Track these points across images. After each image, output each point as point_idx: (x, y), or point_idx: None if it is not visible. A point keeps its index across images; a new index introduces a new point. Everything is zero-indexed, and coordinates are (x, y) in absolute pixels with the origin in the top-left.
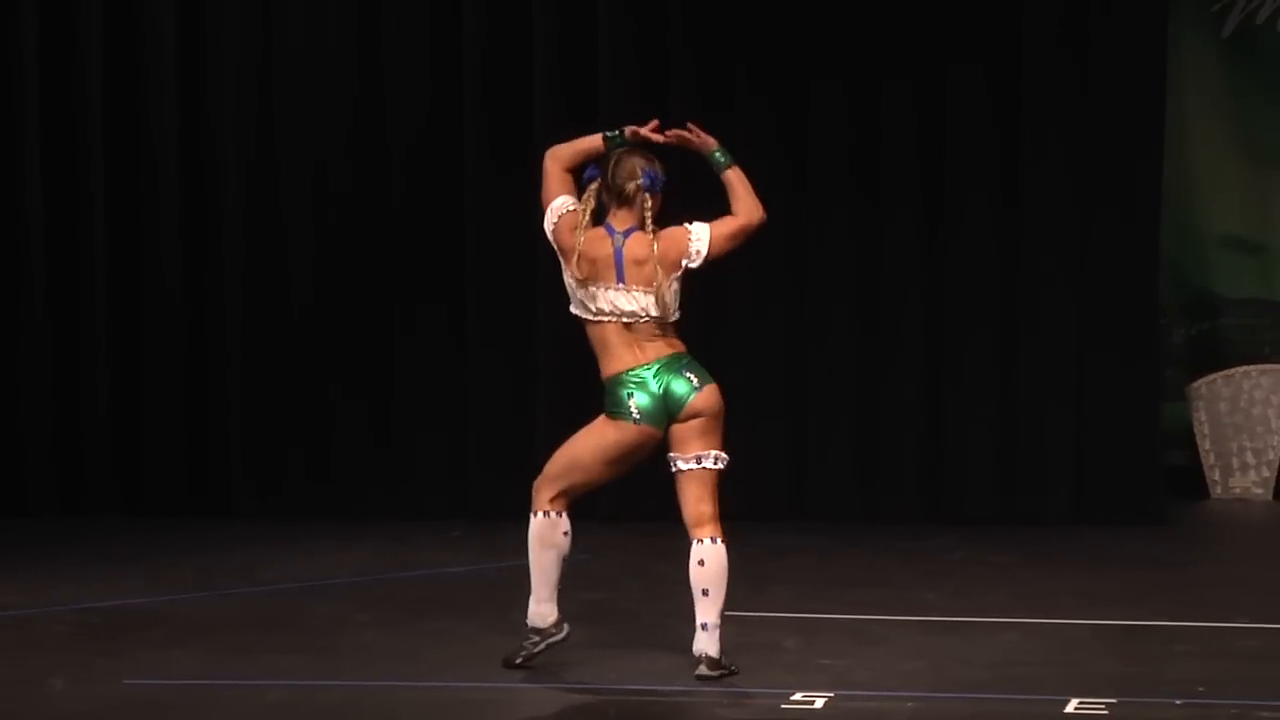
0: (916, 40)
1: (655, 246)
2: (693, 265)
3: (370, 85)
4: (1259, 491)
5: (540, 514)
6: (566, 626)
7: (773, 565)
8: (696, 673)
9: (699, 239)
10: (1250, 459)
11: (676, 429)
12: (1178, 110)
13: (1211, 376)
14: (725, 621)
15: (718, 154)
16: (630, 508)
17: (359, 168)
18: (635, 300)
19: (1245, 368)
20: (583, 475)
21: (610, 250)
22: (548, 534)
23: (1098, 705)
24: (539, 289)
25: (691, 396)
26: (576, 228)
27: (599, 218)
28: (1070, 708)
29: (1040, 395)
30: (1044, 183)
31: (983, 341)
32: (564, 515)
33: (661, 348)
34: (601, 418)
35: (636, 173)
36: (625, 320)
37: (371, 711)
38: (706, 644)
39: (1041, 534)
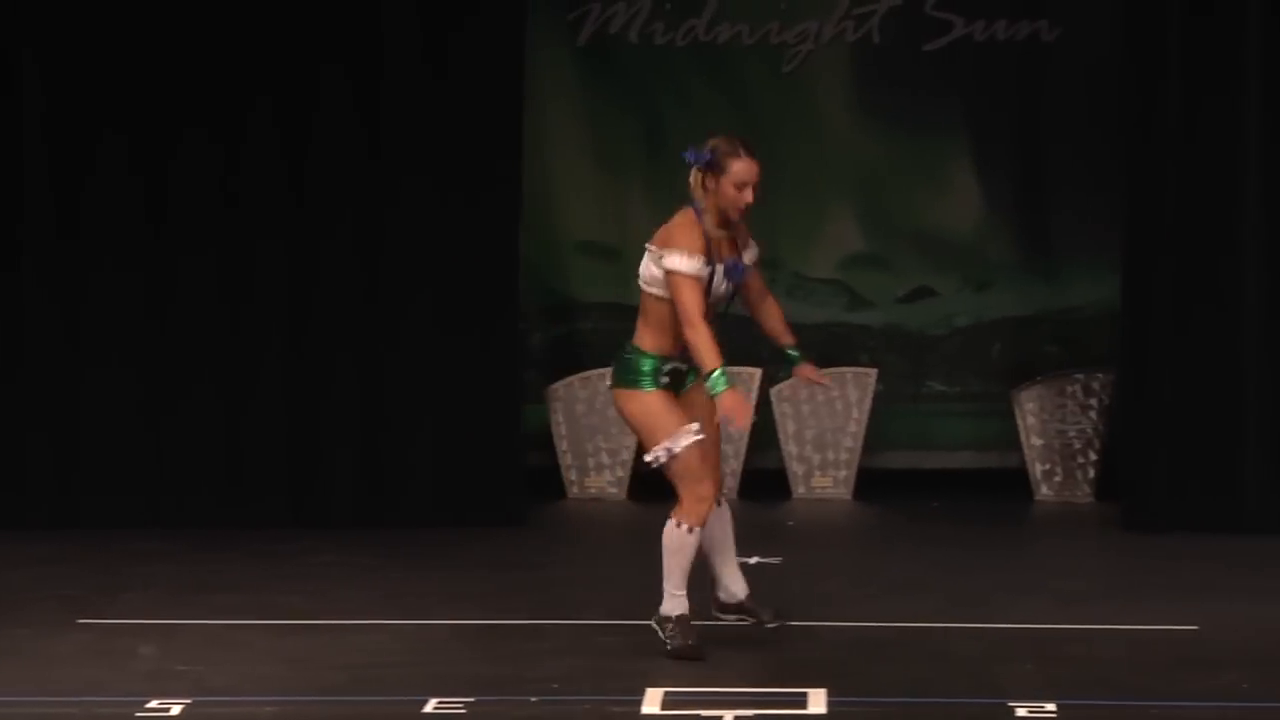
0: (280, 53)
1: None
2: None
3: None
4: (614, 491)
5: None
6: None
7: (129, 572)
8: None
9: (661, 261)
10: (605, 459)
11: None
12: (537, 116)
13: (569, 379)
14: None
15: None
16: None
17: None
18: None
19: (601, 370)
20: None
21: None
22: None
23: (456, 705)
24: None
25: None
26: None
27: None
28: (429, 708)
29: (404, 397)
30: (407, 190)
31: (347, 344)
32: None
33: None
34: None
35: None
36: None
37: None
38: None
39: (406, 535)
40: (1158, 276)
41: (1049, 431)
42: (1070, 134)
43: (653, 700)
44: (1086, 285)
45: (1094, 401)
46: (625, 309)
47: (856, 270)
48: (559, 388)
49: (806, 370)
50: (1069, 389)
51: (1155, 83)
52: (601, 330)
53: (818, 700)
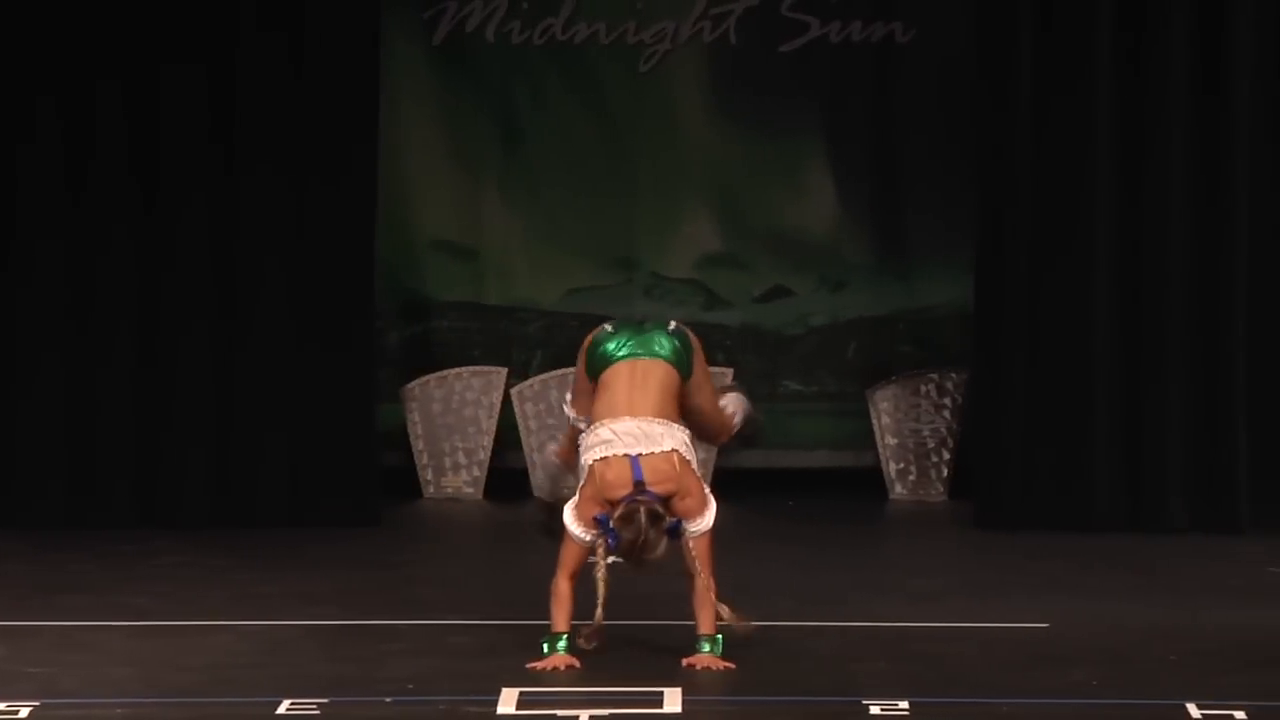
0: (129, 45)
1: None
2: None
3: None
4: (470, 490)
5: None
6: None
7: None
8: None
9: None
10: (462, 459)
11: None
12: (392, 114)
13: (425, 378)
14: None
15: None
16: None
17: None
18: None
19: (458, 369)
20: None
21: None
22: None
23: (309, 705)
24: None
25: None
26: None
27: None
28: (282, 709)
29: (257, 397)
30: (261, 187)
31: (199, 341)
32: None
33: None
34: None
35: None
36: None
37: None
38: None
39: (259, 536)
40: (1009, 276)
41: (903, 431)
42: (925, 135)
43: (508, 700)
44: (940, 285)
45: (948, 401)
46: (481, 308)
47: (713, 270)
48: (415, 387)
49: (703, 660)
50: (923, 388)
51: (1006, 84)
52: (457, 329)
53: (673, 699)
